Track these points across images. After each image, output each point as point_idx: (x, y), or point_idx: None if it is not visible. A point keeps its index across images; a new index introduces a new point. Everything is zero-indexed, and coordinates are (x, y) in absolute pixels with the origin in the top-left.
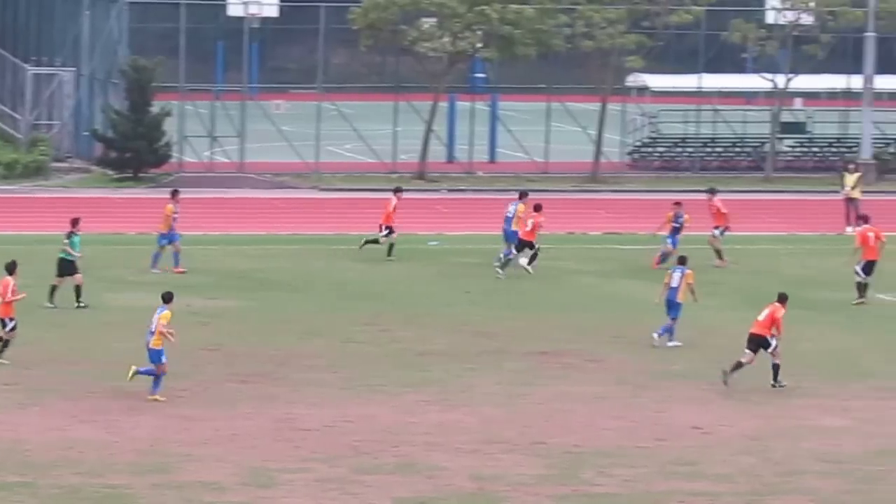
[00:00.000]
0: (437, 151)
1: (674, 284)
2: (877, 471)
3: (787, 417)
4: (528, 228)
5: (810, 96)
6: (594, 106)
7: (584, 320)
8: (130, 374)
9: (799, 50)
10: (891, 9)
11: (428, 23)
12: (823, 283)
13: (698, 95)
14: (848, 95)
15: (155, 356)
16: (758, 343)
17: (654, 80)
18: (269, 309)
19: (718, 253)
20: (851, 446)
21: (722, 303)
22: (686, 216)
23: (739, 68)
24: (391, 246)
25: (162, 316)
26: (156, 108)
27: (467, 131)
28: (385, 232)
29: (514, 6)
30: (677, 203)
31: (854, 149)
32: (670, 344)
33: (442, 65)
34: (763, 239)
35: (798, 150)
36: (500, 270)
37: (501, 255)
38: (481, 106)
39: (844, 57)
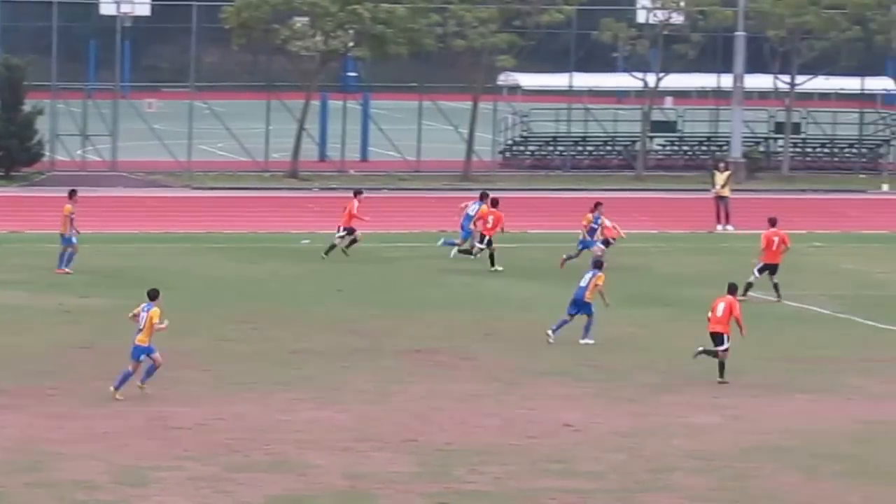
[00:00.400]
0: (309, 150)
1: (582, 284)
2: (747, 468)
3: (659, 415)
4: (490, 225)
5: (681, 95)
6: (466, 105)
7: (457, 318)
8: (142, 390)
9: (669, 49)
10: (760, 9)
11: (300, 22)
12: (695, 280)
13: (569, 94)
14: (718, 94)
15: (146, 351)
16: (718, 341)
17: (526, 79)
18: None
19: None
20: (722, 444)
21: (595, 301)
22: (603, 219)
23: (610, 67)
24: (350, 244)
25: (152, 314)
26: (28, 106)
27: (339, 130)
28: (342, 233)
29: (385, 5)
30: (598, 204)
31: (724, 147)
32: (583, 341)
33: (314, 64)
34: (634, 237)
35: (669, 148)
36: (467, 254)
37: (456, 241)
38: (353, 105)
39: (715, 56)
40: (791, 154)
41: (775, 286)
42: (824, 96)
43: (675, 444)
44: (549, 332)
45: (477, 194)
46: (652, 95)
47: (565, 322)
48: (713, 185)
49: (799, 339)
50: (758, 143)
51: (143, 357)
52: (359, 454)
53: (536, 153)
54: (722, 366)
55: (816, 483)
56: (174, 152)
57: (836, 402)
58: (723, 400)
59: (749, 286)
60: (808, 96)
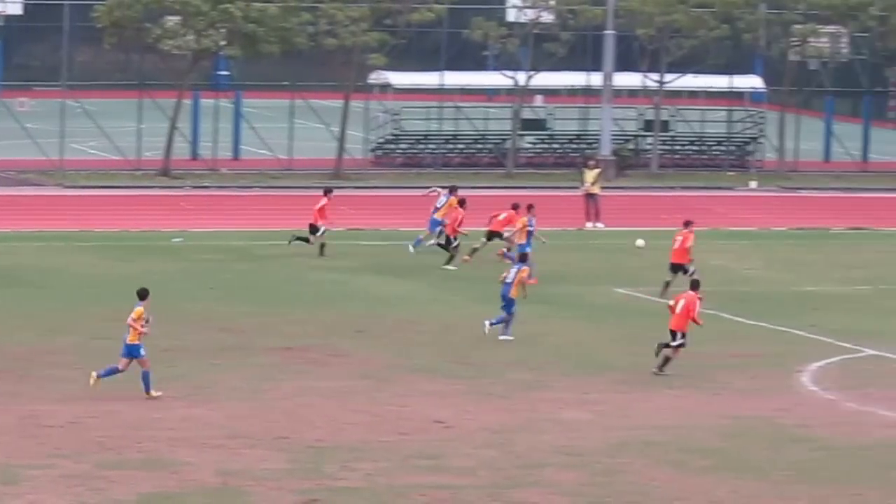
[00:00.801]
0: (181, 148)
1: (508, 280)
2: (616, 463)
3: (529, 411)
4: (448, 222)
5: (551, 93)
6: (337, 103)
7: (328, 316)
8: (92, 381)
9: (540, 48)
10: (629, 7)
11: (172, 21)
12: (565, 277)
13: (440, 92)
14: (588, 92)
15: (134, 351)
16: (672, 336)
17: (397, 77)
18: (13, 306)
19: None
20: (592, 439)
21: (465, 297)
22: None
23: (481, 66)
24: (306, 241)
25: (134, 312)
26: None
27: (211, 129)
28: (321, 231)
29: (257, 4)
30: (530, 206)
31: (594, 145)
32: (502, 337)
33: (186, 62)
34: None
35: (539, 146)
36: (412, 249)
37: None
38: (225, 103)
39: (584, 55)
40: (660, 152)
41: (667, 283)
42: (693, 94)
43: (546, 439)
44: (486, 323)
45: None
46: (522, 94)
47: (507, 319)
48: (583, 182)
49: (667, 334)
50: (627, 141)
51: (133, 357)
52: (231, 451)
53: (408, 151)
54: (667, 360)
55: (685, 477)
56: (46, 151)
57: (704, 397)
58: (593, 395)
59: (695, 283)
60: (676, 94)
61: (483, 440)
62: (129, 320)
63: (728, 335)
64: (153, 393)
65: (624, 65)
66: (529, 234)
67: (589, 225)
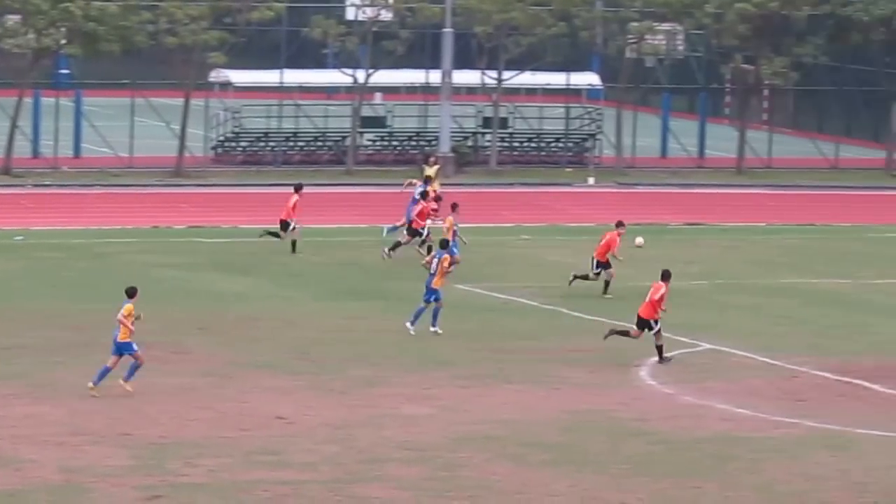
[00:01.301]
0: (22, 147)
1: (432, 270)
2: (457, 458)
3: (370, 406)
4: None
5: (390, 91)
6: (178, 101)
7: (170, 313)
8: (128, 388)
9: (379, 46)
10: (467, 5)
11: (12, 20)
12: (404, 273)
13: (280, 90)
14: (427, 90)
15: (127, 348)
16: (643, 324)
17: (237, 75)
18: None
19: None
20: (433, 434)
21: (306, 294)
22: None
23: (321, 64)
24: (281, 232)
25: (124, 308)
26: None
27: (52, 127)
28: (291, 227)
29: (97, 3)
30: (454, 205)
31: (433, 142)
32: (432, 330)
33: (26, 61)
34: (345, 231)
35: (378, 143)
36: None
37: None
38: (66, 102)
39: (423, 52)
40: (499, 148)
41: (585, 276)
42: (531, 91)
43: (387, 434)
44: (408, 324)
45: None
46: (362, 91)
47: (422, 310)
48: (423, 179)
49: (507, 330)
50: (466, 138)
51: (124, 354)
52: (73, 448)
53: (248, 149)
54: (659, 349)
55: (525, 472)
56: None
57: (543, 391)
58: (433, 391)
59: (604, 284)
60: (515, 91)
61: (324, 436)
62: (120, 317)
63: (567, 330)
64: (128, 388)
65: (462, 62)
66: (455, 233)
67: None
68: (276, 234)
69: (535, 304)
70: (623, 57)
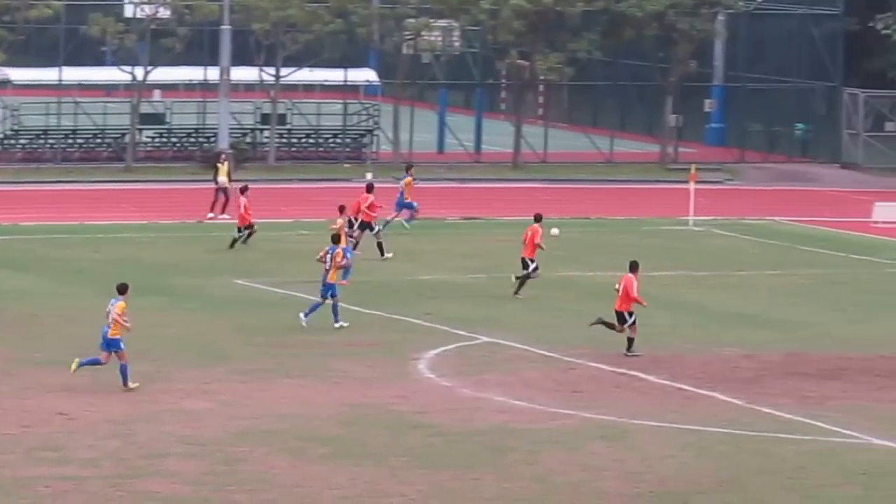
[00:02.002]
0: None
1: (328, 266)
2: (237, 452)
3: (151, 402)
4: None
5: (169, 88)
6: None
7: None
8: (74, 367)
9: (157, 43)
10: (245, 3)
11: None
12: (184, 269)
13: (59, 88)
14: (205, 87)
15: (114, 345)
16: (620, 318)
17: (16, 73)
18: None
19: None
20: (213, 428)
21: (86, 291)
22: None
23: (99, 61)
24: (248, 235)
25: (117, 306)
26: None
27: None
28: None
29: None
30: (342, 207)
31: (212, 139)
32: (337, 325)
33: None
34: (125, 227)
35: (157, 140)
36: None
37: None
38: None
39: (201, 50)
40: (277, 144)
41: (525, 277)
42: (309, 88)
43: (168, 430)
44: (302, 315)
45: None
46: (140, 88)
47: (318, 305)
48: (216, 176)
49: (286, 325)
50: (245, 135)
51: (112, 350)
52: None
53: (27, 146)
54: (630, 341)
55: (305, 465)
56: None
57: (323, 386)
58: (213, 385)
59: (523, 279)
60: (293, 88)
61: (106, 431)
62: (115, 315)
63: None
64: (131, 385)
65: (241, 59)
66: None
67: (222, 215)
68: (248, 236)
69: (314, 299)
70: (400, 53)
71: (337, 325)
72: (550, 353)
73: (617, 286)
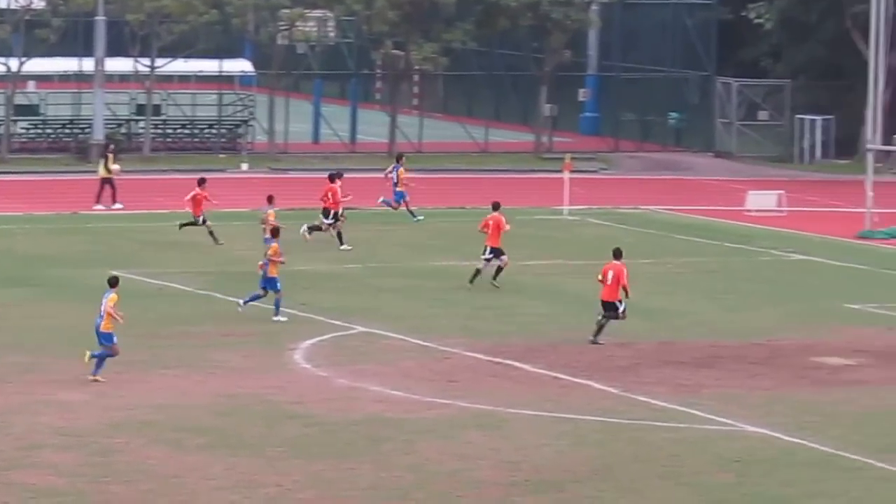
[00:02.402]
0: None
1: (266, 261)
2: (113, 443)
3: (26, 393)
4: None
5: (43, 79)
6: None
7: None
8: (87, 358)
9: (32, 34)
10: None
11: None
12: (59, 260)
13: None
14: (80, 78)
15: (106, 338)
16: (610, 308)
17: None
18: None
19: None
20: (89, 420)
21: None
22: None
23: None
24: (210, 233)
25: (109, 299)
26: None
27: None
28: (201, 221)
29: None
30: (270, 197)
31: (87, 130)
32: (275, 319)
33: None
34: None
35: (32, 132)
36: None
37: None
38: None
39: (76, 40)
40: (152, 135)
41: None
42: (184, 79)
43: (44, 421)
44: (240, 301)
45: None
46: (15, 80)
47: (258, 296)
48: (107, 167)
49: (162, 315)
50: (120, 125)
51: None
52: None
53: None
54: (601, 328)
55: (182, 456)
56: None
57: (199, 376)
58: (89, 376)
59: (477, 273)
60: (168, 79)
61: None
62: (109, 308)
63: (222, 315)
64: (100, 378)
65: (115, 50)
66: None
67: (118, 205)
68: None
69: (189, 289)
70: (275, 44)
71: (276, 319)
72: (426, 342)
73: (600, 277)
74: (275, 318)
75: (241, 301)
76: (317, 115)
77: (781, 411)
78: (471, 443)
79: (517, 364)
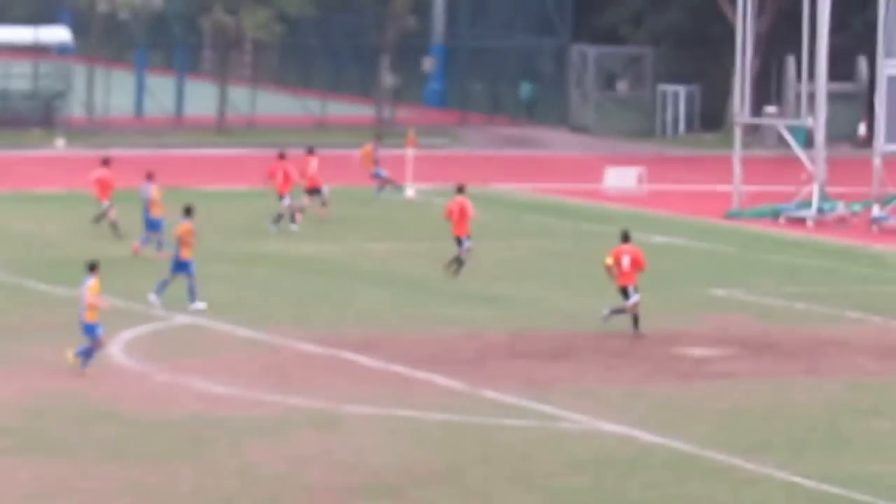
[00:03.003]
0: None
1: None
2: None
3: None
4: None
5: None
6: None
7: None
8: (70, 360)
9: None
10: None
11: None
12: None
13: None
14: None
15: (90, 330)
16: (625, 293)
17: None
18: None
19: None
20: None
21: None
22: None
23: None
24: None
25: (89, 287)
26: None
27: None
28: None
29: None
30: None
31: None
32: (192, 307)
33: None
34: None
35: None
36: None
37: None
38: None
39: None
40: None
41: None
42: None
43: None
44: (152, 294)
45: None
46: None
47: (166, 282)
48: None
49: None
50: None
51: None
52: None
53: None
54: (636, 318)
55: None
56: None
57: (5, 371)
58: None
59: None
60: None
61: None
62: (92, 297)
63: (33, 305)
64: (71, 359)
65: None
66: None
67: None
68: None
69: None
70: (95, 11)
71: (194, 307)
72: (255, 333)
73: (609, 261)
74: (193, 306)
75: (153, 295)
76: (140, 87)
77: (641, 407)
78: (302, 443)
79: (354, 357)
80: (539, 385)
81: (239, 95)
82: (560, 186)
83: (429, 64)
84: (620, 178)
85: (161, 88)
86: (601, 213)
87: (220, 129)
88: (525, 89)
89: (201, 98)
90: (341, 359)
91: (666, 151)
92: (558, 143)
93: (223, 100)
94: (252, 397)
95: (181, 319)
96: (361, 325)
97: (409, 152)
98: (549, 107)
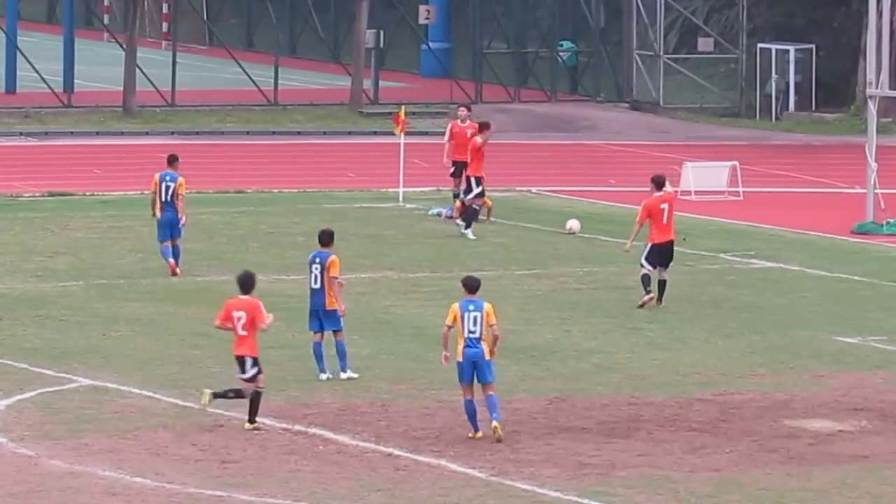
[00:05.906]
0: None
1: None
2: None
3: None
4: None
5: None
6: None
7: None
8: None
9: None
10: None
11: None
12: None
13: None
14: None
15: None
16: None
17: None
18: None
19: None
20: None
21: None
22: None
23: None
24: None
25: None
26: None
27: None
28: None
29: None
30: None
31: None
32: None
33: None
34: None
35: None
36: None
37: None
38: None
39: None
40: None
41: None
42: None
43: None
44: None
45: None
46: None
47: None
48: None
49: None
50: None
51: None
52: None
53: None
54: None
55: None
56: None
57: None
58: None
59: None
60: None
61: None
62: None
63: None
64: None
65: None
66: None
67: None
68: None
69: None
70: None
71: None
72: (185, 401)
73: (641, 216)
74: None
75: None
76: (11, 51)
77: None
78: None
79: (328, 434)
80: (593, 473)
81: (154, 61)
82: (615, 190)
83: (427, 13)
84: (704, 176)
85: (41, 52)
86: (678, 227)
87: (126, 110)
88: (565, 50)
89: (100, 66)
90: (311, 436)
91: (769, 138)
92: (613, 125)
93: (131, 68)
94: (185, 491)
95: (81, 381)
96: (339, 390)
97: (400, 140)
98: (600, 74)
